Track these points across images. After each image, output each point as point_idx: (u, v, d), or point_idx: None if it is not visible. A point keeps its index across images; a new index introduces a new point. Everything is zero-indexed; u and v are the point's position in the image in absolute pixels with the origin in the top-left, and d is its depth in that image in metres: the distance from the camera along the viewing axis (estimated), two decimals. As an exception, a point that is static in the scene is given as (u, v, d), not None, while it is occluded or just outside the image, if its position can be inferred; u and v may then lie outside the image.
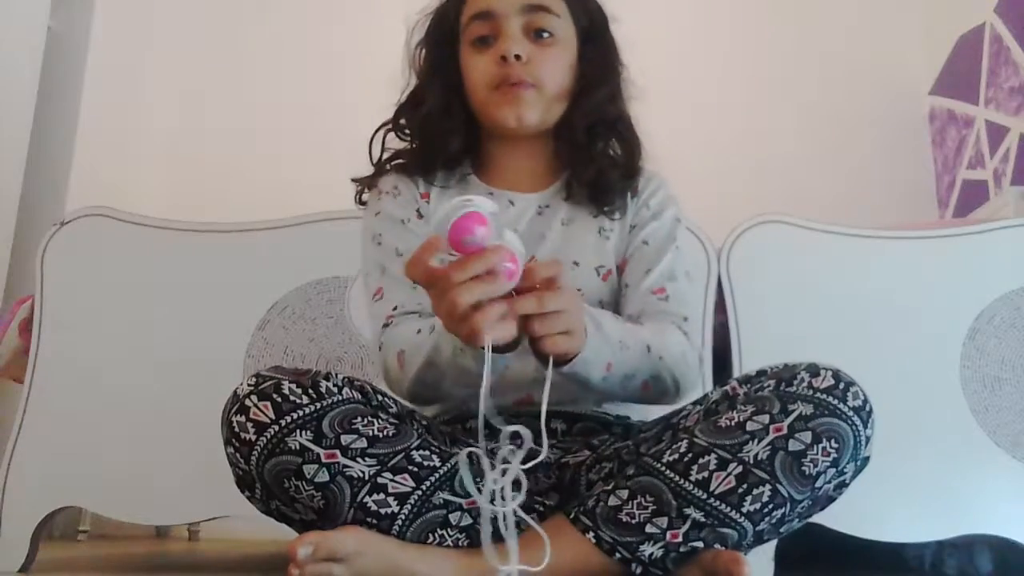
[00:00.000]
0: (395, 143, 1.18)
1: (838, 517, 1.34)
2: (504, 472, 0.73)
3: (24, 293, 1.69)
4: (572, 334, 0.81)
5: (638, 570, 0.85)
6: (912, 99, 2.93)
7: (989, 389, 1.40)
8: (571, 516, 0.88)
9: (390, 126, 1.17)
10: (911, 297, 1.44)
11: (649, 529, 0.85)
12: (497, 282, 0.71)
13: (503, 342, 0.75)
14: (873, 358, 1.36)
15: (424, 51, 1.17)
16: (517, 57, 1.06)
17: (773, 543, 1.30)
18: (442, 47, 1.15)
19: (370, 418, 0.87)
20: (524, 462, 0.73)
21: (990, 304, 1.43)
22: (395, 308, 1.02)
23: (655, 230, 1.12)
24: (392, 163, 1.16)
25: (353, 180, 1.19)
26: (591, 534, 0.86)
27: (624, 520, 0.86)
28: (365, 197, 1.18)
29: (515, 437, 0.73)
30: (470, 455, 0.76)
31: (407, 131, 1.16)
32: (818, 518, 1.30)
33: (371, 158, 1.18)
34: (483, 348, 0.72)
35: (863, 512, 1.34)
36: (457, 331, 0.75)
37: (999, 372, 1.41)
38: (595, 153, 1.12)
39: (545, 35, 1.09)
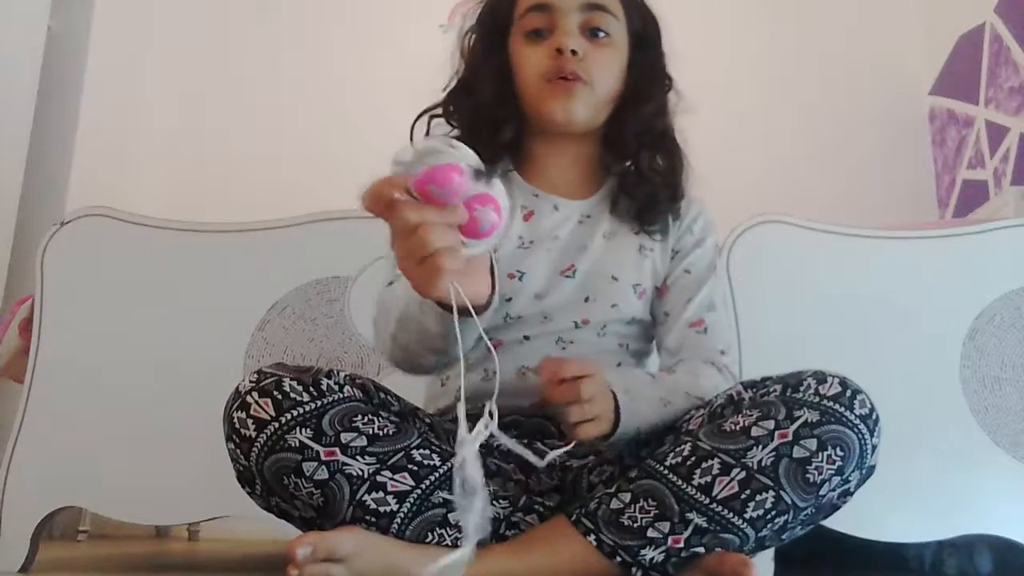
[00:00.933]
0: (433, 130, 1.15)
1: (838, 517, 1.32)
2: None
3: (24, 293, 1.68)
4: (600, 419, 0.85)
5: (638, 574, 0.85)
6: (912, 99, 2.93)
7: (989, 389, 1.40)
8: (572, 518, 0.88)
9: (436, 111, 1.14)
10: (911, 297, 1.44)
11: (651, 533, 0.85)
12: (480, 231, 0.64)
13: (476, 299, 0.71)
14: (873, 358, 1.36)
15: (475, 38, 1.14)
16: (573, 52, 1.04)
17: (773, 543, 1.31)
18: (494, 35, 1.12)
19: (371, 416, 0.87)
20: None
21: (990, 304, 1.43)
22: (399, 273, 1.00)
23: (698, 259, 1.12)
24: None
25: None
26: (592, 536, 0.86)
27: (626, 524, 0.85)
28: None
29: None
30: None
31: (458, 120, 1.13)
32: (818, 518, 1.31)
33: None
34: (439, 302, 0.69)
35: (863, 512, 1.33)
36: (414, 274, 0.66)
37: (999, 372, 1.40)
38: (644, 168, 1.11)
39: (601, 35, 1.08)
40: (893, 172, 2.85)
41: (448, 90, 1.15)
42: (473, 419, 1.00)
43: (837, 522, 1.33)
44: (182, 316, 1.50)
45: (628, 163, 1.13)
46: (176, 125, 3.03)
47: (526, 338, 1.04)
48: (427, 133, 1.14)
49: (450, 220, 0.63)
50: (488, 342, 0.70)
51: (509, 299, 1.05)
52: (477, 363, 1.03)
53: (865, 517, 1.34)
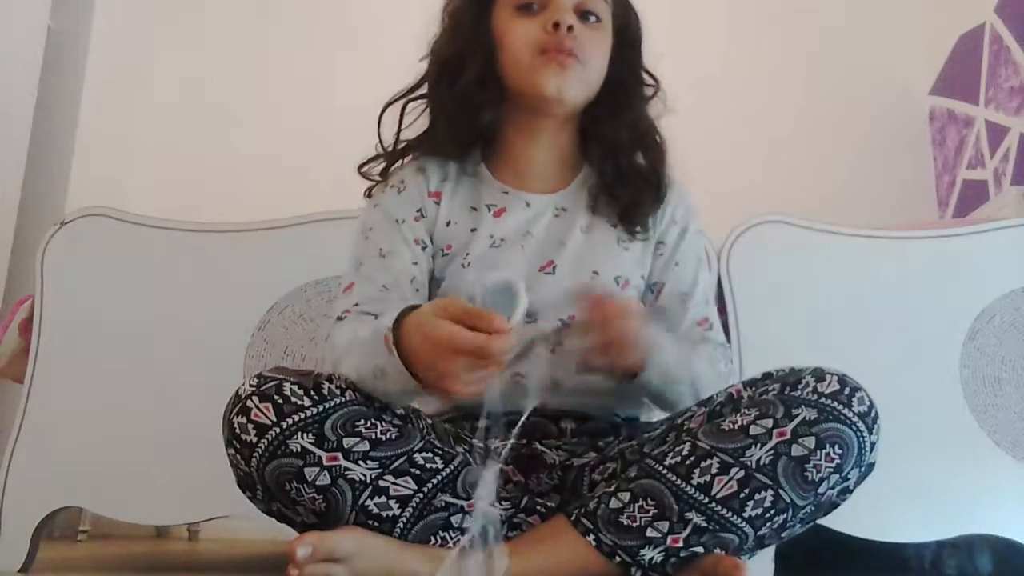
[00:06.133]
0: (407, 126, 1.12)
1: (838, 517, 1.32)
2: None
3: (24, 293, 1.68)
4: (634, 349, 0.88)
5: (637, 574, 0.85)
6: (912, 99, 2.93)
7: (989, 389, 1.40)
8: (572, 517, 0.88)
9: (407, 99, 1.11)
10: (911, 297, 1.44)
11: (650, 533, 0.84)
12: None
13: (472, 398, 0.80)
14: (873, 358, 1.36)
15: (458, 14, 1.11)
16: (570, 28, 1.02)
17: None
18: (477, 12, 1.09)
19: (373, 421, 0.86)
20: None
21: (990, 304, 1.43)
22: (355, 304, 0.99)
23: (686, 251, 1.11)
24: (413, 149, 1.11)
25: (360, 172, 1.13)
26: (591, 536, 0.86)
27: (625, 523, 0.85)
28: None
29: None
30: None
31: (437, 103, 1.10)
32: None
33: (380, 142, 1.12)
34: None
35: (863, 512, 1.33)
36: (468, 387, 0.78)
37: (999, 372, 1.40)
38: (624, 167, 1.10)
39: (592, 18, 1.07)
40: (893, 172, 2.85)
41: (427, 72, 1.11)
42: (463, 420, 1.01)
43: (837, 522, 1.33)
44: (182, 316, 1.50)
45: (608, 163, 1.11)
46: (176, 125, 3.03)
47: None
48: (400, 121, 1.11)
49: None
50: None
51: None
52: None
53: (865, 517, 1.34)
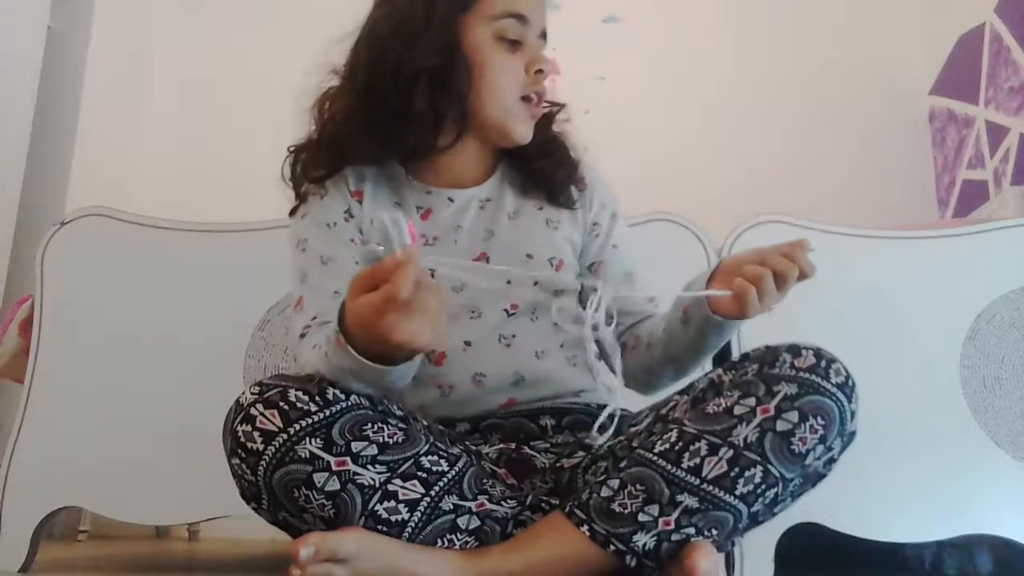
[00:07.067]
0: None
1: (838, 517, 1.34)
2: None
3: (24, 293, 1.68)
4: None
5: (632, 562, 0.85)
6: (912, 99, 2.93)
7: (989, 389, 1.40)
8: (566, 510, 0.88)
9: (347, 94, 1.07)
10: (911, 297, 1.44)
11: (641, 517, 0.85)
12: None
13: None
14: (873, 358, 1.36)
15: (409, 13, 1.04)
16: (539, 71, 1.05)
17: (773, 543, 1.31)
18: (446, 12, 1.03)
19: (380, 424, 0.86)
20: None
21: (990, 304, 1.43)
22: (313, 318, 0.98)
23: (619, 234, 1.14)
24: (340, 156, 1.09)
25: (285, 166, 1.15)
26: (585, 527, 0.86)
27: (616, 511, 0.85)
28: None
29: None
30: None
31: (364, 113, 1.04)
32: (818, 518, 1.31)
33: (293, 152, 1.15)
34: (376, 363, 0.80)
35: (863, 512, 1.34)
36: (426, 332, 0.76)
37: (999, 372, 1.41)
38: (539, 145, 1.10)
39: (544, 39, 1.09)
40: (893, 172, 2.85)
41: (351, 72, 1.06)
42: (446, 426, 1.00)
43: (837, 522, 1.33)
44: (182, 316, 1.50)
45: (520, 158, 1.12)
46: (176, 125, 3.03)
47: (467, 344, 1.03)
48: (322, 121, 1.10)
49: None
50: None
51: None
52: (428, 379, 1.01)
53: (865, 517, 1.34)
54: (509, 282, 1.04)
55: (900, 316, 1.43)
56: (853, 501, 1.32)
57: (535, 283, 1.05)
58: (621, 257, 1.13)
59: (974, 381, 1.40)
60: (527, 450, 0.98)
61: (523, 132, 1.06)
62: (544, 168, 1.11)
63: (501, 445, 0.98)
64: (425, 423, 0.96)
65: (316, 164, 1.10)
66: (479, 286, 1.03)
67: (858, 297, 1.44)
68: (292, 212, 1.14)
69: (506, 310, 1.03)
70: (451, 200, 1.10)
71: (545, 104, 1.10)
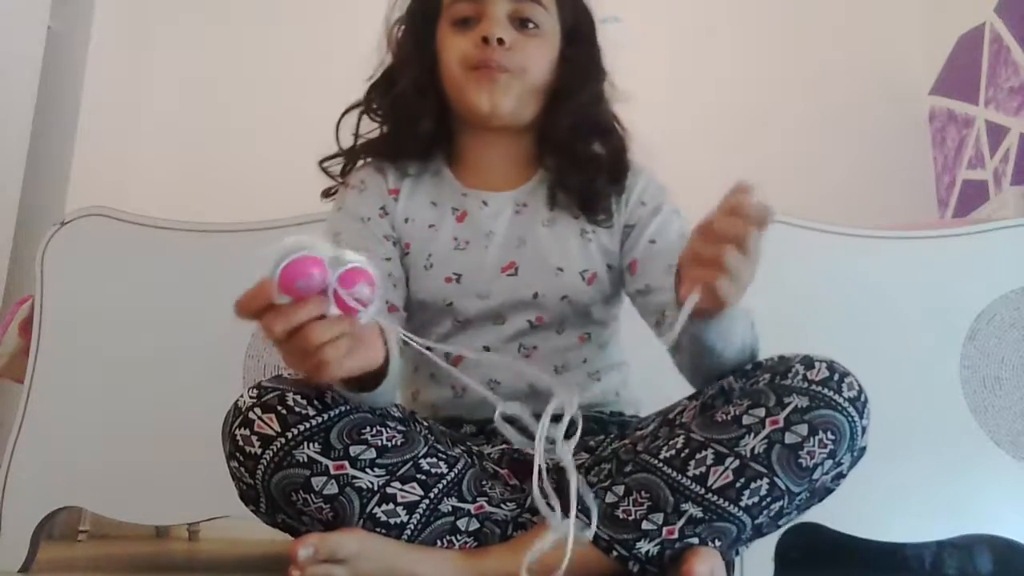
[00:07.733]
0: (366, 129, 1.14)
1: (838, 517, 1.34)
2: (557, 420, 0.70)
3: (24, 293, 1.68)
4: (739, 285, 0.75)
5: (635, 568, 0.85)
6: (912, 99, 2.93)
7: (989, 389, 1.40)
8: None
9: (361, 107, 1.13)
10: (911, 297, 1.44)
11: (645, 525, 0.84)
12: (356, 318, 0.66)
13: (369, 366, 0.73)
14: (873, 358, 1.36)
15: (402, 28, 1.13)
16: (500, 41, 1.03)
17: (773, 543, 1.30)
18: (421, 26, 1.11)
19: (378, 427, 0.86)
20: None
21: (990, 304, 1.43)
22: None
23: (661, 227, 1.08)
24: (363, 152, 1.13)
25: (321, 167, 1.15)
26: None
27: (620, 517, 0.85)
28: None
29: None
30: (505, 417, 0.73)
31: (379, 113, 1.12)
32: (818, 518, 1.31)
33: (338, 145, 1.14)
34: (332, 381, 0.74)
35: (863, 512, 1.34)
36: (303, 371, 0.70)
37: (999, 372, 1.41)
38: (579, 156, 1.09)
39: (531, 26, 1.07)
40: (893, 172, 2.85)
41: (371, 83, 1.13)
42: (454, 426, 0.99)
43: (837, 522, 1.33)
44: (182, 316, 1.50)
45: (562, 155, 1.10)
46: (176, 125, 3.03)
47: (486, 348, 1.03)
48: (356, 135, 1.13)
49: (317, 312, 0.65)
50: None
51: (450, 304, 1.05)
52: (444, 378, 1.02)
53: (865, 517, 1.34)
54: (536, 295, 1.04)
55: (900, 316, 1.43)
56: (853, 501, 1.31)
57: (563, 297, 1.04)
58: (661, 252, 1.06)
59: (974, 381, 1.40)
60: (529, 451, 0.98)
61: (480, 100, 1.05)
62: (577, 181, 1.08)
63: (504, 446, 0.98)
64: (425, 424, 0.96)
65: (373, 149, 1.13)
66: (506, 295, 1.04)
67: (858, 297, 1.44)
68: (326, 193, 1.14)
69: (530, 321, 1.03)
70: (485, 203, 1.10)
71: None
